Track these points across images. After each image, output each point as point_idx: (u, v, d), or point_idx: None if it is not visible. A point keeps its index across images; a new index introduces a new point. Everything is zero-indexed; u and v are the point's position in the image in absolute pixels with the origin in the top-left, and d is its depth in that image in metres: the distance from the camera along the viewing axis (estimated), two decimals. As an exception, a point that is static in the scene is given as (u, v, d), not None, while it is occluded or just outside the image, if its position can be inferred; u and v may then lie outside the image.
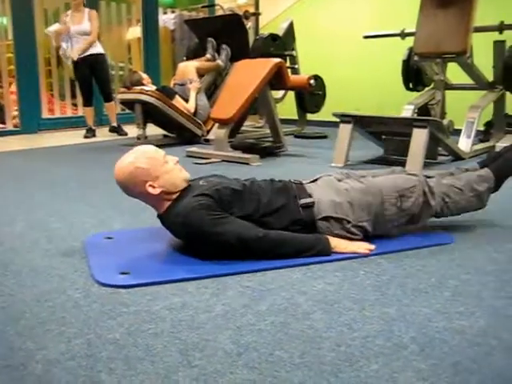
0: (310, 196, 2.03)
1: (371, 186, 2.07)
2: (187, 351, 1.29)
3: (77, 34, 5.95)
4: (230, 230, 1.85)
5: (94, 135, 6.23)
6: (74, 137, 6.23)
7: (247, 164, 4.14)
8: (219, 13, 6.55)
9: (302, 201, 2.01)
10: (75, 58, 5.92)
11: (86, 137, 6.16)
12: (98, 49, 6.09)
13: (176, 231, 1.98)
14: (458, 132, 4.45)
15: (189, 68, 5.76)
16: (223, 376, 1.18)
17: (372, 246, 1.97)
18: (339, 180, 2.15)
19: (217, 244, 1.86)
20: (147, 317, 1.48)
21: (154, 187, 1.91)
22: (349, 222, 1.99)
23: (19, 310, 1.54)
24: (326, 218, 1.98)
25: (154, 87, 5.43)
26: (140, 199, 2.00)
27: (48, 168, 4.20)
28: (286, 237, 1.92)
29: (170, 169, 1.96)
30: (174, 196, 1.96)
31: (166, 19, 8.63)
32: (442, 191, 2.14)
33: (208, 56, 5.96)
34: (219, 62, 5.90)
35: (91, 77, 6.11)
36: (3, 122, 6.69)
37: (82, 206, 2.81)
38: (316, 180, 2.18)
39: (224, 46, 5.90)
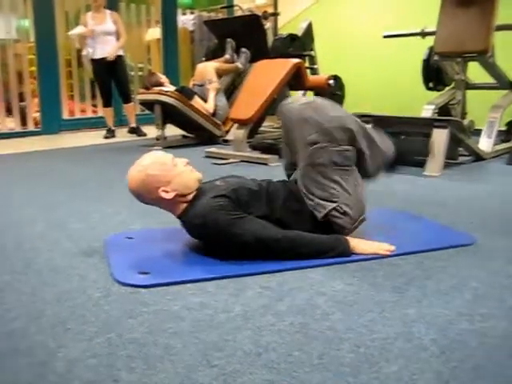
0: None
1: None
2: (206, 351, 1.29)
3: (101, 33, 5.98)
4: (249, 231, 1.85)
5: (113, 136, 6.28)
6: (94, 137, 6.29)
7: (266, 164, 4.14)
8: (238, 13, 6.57)
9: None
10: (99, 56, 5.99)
11: (105, 137, 6.21)
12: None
13: (195, 232, 1.98)
14: (478, 132, 4.41)
15: (208, 69, 5.77)
16: (242, 376, 1.18)
17: (392, 247, 1.96)
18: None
19: (236, 245, 1.86)
20: (167, 316, 1.49)
21: (167, 192, 1.92)
22: (334, 206, 1.97)
23: (40, 308, 1.56)
24: (326, 217, 1.98)
25: (172, 88, 5.46)
26: (155, 205, 2.01)
27: (68, 168, 4.25)
28: (306, 237, 1.91)
29: (181, 171, 1.96)
30: (190, 197, 1.97)
31: (185, 20, 8.67)
32: None
33: (227, 57, 5.97)
34: (238, 64, 5.90)
35: (110, 78, 6.15)
36: (24, 124, 6.77)
37: (102, 206, 2.83)
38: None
39: (244, 50, 5.90)
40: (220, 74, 5.83)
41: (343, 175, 1.98)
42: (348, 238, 1.95)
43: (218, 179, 2.10)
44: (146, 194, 1.94)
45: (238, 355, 1.27)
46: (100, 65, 6.04)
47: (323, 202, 1.97)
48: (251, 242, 1.84)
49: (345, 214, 1.97)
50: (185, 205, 1.97)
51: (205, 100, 5.51)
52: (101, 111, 7.05)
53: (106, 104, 6.32)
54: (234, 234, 1.84)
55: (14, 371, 1.22)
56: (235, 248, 1.87)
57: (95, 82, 6.49)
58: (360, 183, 2.06)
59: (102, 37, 6.00)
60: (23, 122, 6.79)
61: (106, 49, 5.99)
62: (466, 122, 3.98)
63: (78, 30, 6.08)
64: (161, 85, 5.46)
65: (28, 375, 1.20)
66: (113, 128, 6.36)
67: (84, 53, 6.19)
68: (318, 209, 1.98)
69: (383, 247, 1.95)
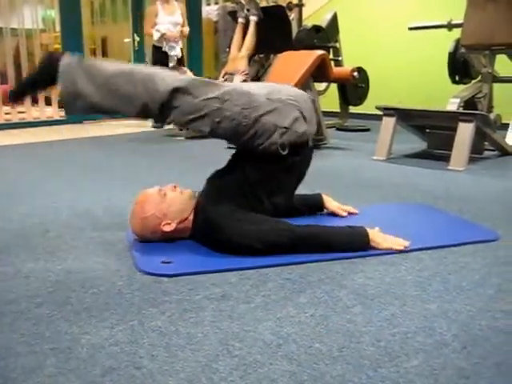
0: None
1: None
2: (227, 341, 1.30)
3: (170, 23, 6.02)
4: (259, 240, 1.84)
5: (162, 125, 6.37)
6: (118, 127, 6.34)
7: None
8: (263, 4, 6.53)
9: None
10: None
11: (154, 126, 6.31)
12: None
13: (210, 244, 1.96)
14: (505, 126, 4.34)
15: (239, 58, 5.76)
16: (262, 366, 1.19)
17: (406, 243, 1.94)
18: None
19: (248, 253, 1.85)
20: (188, 306, 1.50)
21: (168, 224, 1.94)
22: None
23: (65, 295, 1.58)
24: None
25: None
26: (167, 240, 2.00)
27: (92, 157, 4.29)
28: (320, 232, 1.91)
29: (171, 199, 1.96)
30: (191, 217, 1.98)
31: (210, 10, 8.65)
32: None
33: (241, 20, 5.86)
34: (253, 19, 5.76)
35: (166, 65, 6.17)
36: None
37: (126, 194, 2.85)
38: None
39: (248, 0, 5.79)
40: (252, 52, 5.77)
41: (255, 107, 1.95)
42: (367, 229, 1.94)
43: (206, 185, 2.09)
44: (151, 234, 1.97)
45: (258, 346, 1.28)
46: (163, 54, 6.04)
47: (269, 140, 1.94)
48: (263, 249, 1.84)
49: (289, 130, 1.95)
50: (189, 226, 1.99)
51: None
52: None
53: None
54: (244, 245, 1.84)
55: (40, 356, 1.24)
56: (249, 253, 1.86)
57: (152, 64, 6.47)
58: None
59: (170, 26, 6.02)
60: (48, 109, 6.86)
61: (177, 48, 6.04)
62: (492, 115, 3.92)
63: (162, 28, 6.00)
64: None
65: (52, 360, 1.22)
66: None
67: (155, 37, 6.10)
68: (271, 146, 1.95)
69: (398, 242, 1.94)
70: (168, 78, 1.93)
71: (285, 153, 1.95)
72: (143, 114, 1.95)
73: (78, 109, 1.96)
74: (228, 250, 1.87)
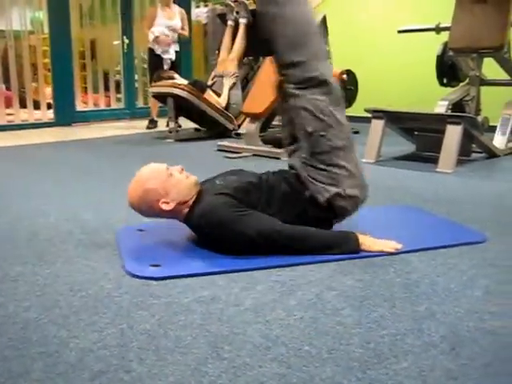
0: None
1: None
2: (216, 344, 1.30)
3: (166, 27, 6.02)
4: (253, 227, 1.85)
5: (155, 126, 6.42)
6: (107, 129, 6.32)
7: (278, 158, 4.14)
8: (252, 7, 6.54)
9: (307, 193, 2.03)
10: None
11: (148, 127, 6.37)
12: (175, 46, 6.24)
13: (201, 232, 1.99)
14: (493, 129, 4.37)
15: (228, 61, 5.77)
16: (252, 369, 1.19)
17: (399, 246, 1.95)
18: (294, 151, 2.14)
19: (241, 242, 1.86)
20: (177, 309, 1.50)
21: (167, 203, 1.93)
22: (335, 190, 1.99)
23: (53, 299, 1.57)
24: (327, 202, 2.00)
25: (185, 81, 5.47)
26: (159, 217, 2.03)
27: (81, 160, 4.28)
28: (310, 232, 1.91)
29: (177, 180, 1.97)
30: (191, 202, 1.98)
31: (199, 13, 8.67)
32: None
33: (230, 23, 5.88)
34: (243, 21, 5.78)
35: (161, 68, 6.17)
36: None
37: (115, 197, 2.85)
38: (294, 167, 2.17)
39: (240, 1, 5.78)
40: (240, 57, 5.79)
41: (346, 156, 2.02)
42: (357, 233, 1.94)
43: (216, 177, 2.11)
44: (148, 209, 1.97)
45: (247, 348, 1.28)
46: (157, 57, 6.07)
47: (328, 187, 1.99)
48: (255, 237, 1.85)
49: (349, 197, 2.00)
50: (187, 209, 1.98)
51: (220, 93, 5.52)
52: (114, 104, 7.11)
53: None
54: (237, 231, 1.85)
55: (27, 360, 1.23)
56: (240, 245, 1.87)
57: (149, 72, 6.47)
58: (357, 158, 2.10)
59: (166, 31, 6.03)
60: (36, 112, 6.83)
61: (170, 51, 6.05)
62: (479, 118, 3.95)
63: (157, 31, 6.01)
64: (172, 78, 5.47)
65: (40, 364, 1.21)
66: (156, 119, 6.48)
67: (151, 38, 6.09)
68: (322, 192, 1.99)
69: (390, 245, 1.95)
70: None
71: (323, 203, 2.00)
72: None
73: None
74: (221, 238, 1.88)
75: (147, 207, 1.96)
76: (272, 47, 2.05)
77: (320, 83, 2.00)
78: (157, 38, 5.94)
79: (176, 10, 6.23)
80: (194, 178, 2.02)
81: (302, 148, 2.04)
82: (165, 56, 5.99)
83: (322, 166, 1.99)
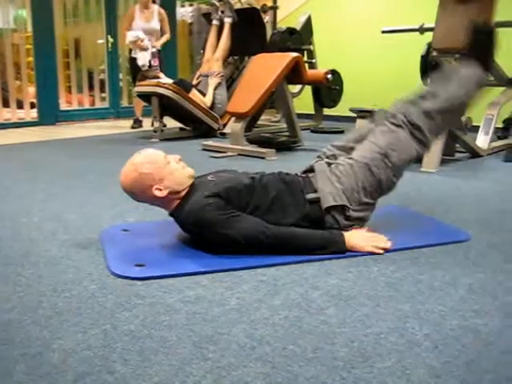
0: (315, 191, 2.03)
1: (355, 162, 2.07)
2: (201, 344, 1.30)
3: (142, 30, 5.77)
4: (239, 230, 1.84)
5: (140, 126, 6.39)
6: (91, 128, 6.28)
7: (263, 158, 4.15)
8: (237, 6, 6.55)
9: (309, 196, 2.01)
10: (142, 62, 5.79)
11: (133, 127, 6.34)
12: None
13: (188, 229, 1.99)
14: (476, 129, 4.41)
15: (213, 60, 5.76)
16: (236, 369, 1.19)
17: (388, 245, 1.96)
18: (329, 164, 2.15)
19: (227, 243, 1.86)
20: (162, 309, 1.49)
21: (160, 190, 1.92)
22: (349, 208, 2.00)
23: (36, 300, 1.56)
24: (329, 210, 1.99)
25: (170, 80, 5.45)
26: (148, 203, 2.02)
27: (65, 159, 4.24)
28: (297, 234, 1.91)
29: (174, 169, 1.96)
30: (182, 194, 1.97)
31: (184, 12, 8.64)
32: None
33: (215, 22, 5.89)
34: (228, 21, 5.80)
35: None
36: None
37: (99, 197, 2.83)
38: (312, 169, 2.18)
39: (225, 0, 5.84)
40: (226, 56, 5.79)
41: (374, 196, 2.06)
42: (344, 233, 1.95)
43: (210, 174, 2.10)
44: (140, 193, 1.95)
45: (232, 348, 1.28)
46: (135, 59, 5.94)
47: (343, 196, 2.00)
48: (240, 240, 1.84)
49: (349, 218, 2.00)
50: (177, 201, 1.97)
51: (206, 92, 5.51)
52: (98, 103, 7.06)
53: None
54: (223, 233, 1.84)
55: (9, 362, 1.22)
56: (226, 246, 1.87)
57: (130, 75, 6.41)
58: None
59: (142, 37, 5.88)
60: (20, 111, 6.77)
61: (144, 56, 5.84)
62: (463, 118, 3.98)
63: (133, 36, 5.69)
64: (157, 77, 5.45)
65: (22, 366, 1.20)
66: (140, 118, 6.45)
67: (133, 54, 5.89)
68: (335, 197, 1.99)
69: (381, 243, 1.95)
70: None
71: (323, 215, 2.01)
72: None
73: None
74: (207, 238, 1.89)
75: (139, 191, 1.94)
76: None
77: (419, 141, 2.11)
78: (131, 42, 5.87)
79: (155, 10, 6.11)
80: (190, 169, 2.02)
81: (359, 153, 2.10)
82: (139, 62, 5.76)
83: (359, 183, 2.02)
